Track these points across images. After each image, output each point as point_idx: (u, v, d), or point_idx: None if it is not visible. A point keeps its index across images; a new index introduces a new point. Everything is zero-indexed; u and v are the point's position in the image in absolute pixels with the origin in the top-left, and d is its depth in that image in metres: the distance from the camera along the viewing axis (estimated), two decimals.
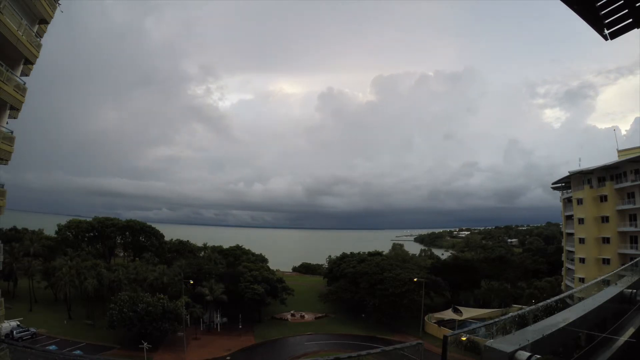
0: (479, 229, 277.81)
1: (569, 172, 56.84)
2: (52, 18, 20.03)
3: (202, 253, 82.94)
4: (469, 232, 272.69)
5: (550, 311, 5.97)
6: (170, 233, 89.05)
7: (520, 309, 6.28)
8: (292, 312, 64.28)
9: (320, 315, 64.41)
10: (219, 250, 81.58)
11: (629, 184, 47.53)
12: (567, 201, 60.69)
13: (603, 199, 51.54)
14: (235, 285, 56.71)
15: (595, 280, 9.12)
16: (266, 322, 59.85)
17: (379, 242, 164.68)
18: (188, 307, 50.14)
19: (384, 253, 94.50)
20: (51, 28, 20.38)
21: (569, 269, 58.61)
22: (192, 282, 53.90)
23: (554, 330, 4.90)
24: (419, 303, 55.21)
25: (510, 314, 5.70)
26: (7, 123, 19.33)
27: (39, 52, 19.31)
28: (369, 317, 58.86)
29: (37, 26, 19.42)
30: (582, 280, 51.59)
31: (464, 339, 5.40)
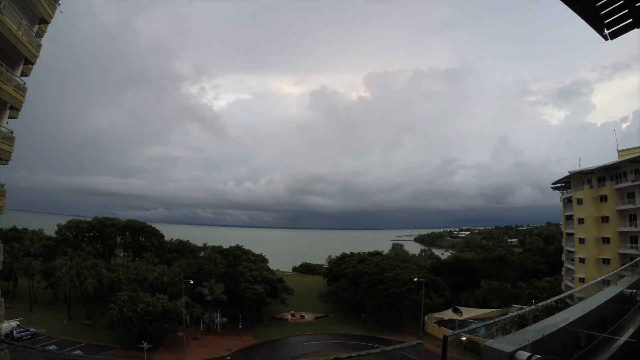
0: (479, 229, 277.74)
1: (569, 172, 56.84)
2: (52, 18, 20.03)
3: (202, 253, 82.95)
4: (469, 232, 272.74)
5: (550, 311, 5.96)
6: (167, 233, 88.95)
7: (520, 309, 6.28)
8: (292, 312, 64.28)
9: (320, 315, 64.41)
10: (219, 250, 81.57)
11: (629, 184, 47.53)
12: (567, 201, 60.69)
13: (603, 199, 51.54)
14: (235, 285, 56.71)
15: (595, 280, 9.12)
16: (266, 322, 59.86)
17: (379, 242, 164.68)
18: (188, 307, 50.15)
19: (384, 253, 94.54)
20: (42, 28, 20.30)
21: (569, 269, 58.61)
22: (192, 282, 53.91)
23: (554, 330, 4.89)
24: (419, 303, 55.21)
25: (510, 314, 5.69)
26: (7, 123, 19.34)
27: (39, 52, 19.31)
28: (369, 317, 58.86)
29: (37, 26, 19.42)
30: (582, 280, 51.59)
31: (464, 339, 5.40)
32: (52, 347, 39.07)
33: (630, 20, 4.31)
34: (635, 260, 10.14)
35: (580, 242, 54.33)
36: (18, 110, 19.50)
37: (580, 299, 6.65)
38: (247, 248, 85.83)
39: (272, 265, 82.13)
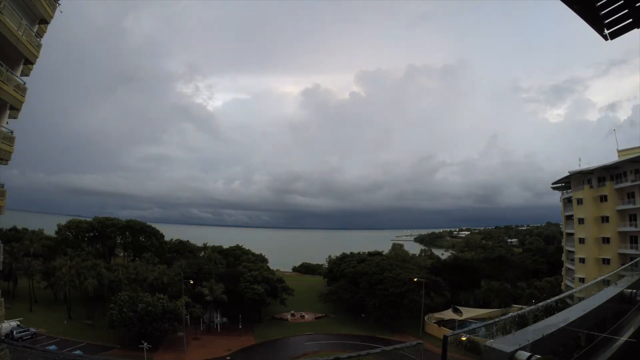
0: (479, 229, 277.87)
1: (569, 172, 56.85)
2: (52, 18, 20.04)
3: (202, 253, 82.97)
4: (469, 232, 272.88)
5: (550, 311, 5.95)
6: (163, 232, 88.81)
7: (520, 309, 6.28)
8: (292, 312, 64.29)
9: (320, 315, 64.42)
10: (219, 250, 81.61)
11: (629, 184, 47.53)
12: (567, 201, 60.69)
13: (603, 199, 51.54)
14: (235, 285, 56.73)
15: (595, 280, 9.11)
16: (266, 322, 59.87)
17: (379, 242, 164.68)
18: (188, 307, 50.17)
19: (384, 253, 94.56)
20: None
21: (569, 269, 58.61)
22: (192, 282, 53.93)
23: (554, 330, 4.89)
24: (419, 303, 55.22)
25: (510, 314, 5.68)
26: (7, 123, 19.34)
27: (39, 52, 19.32)
28: (369, 317, 58.87)
29: (37, 26, 19.43)
30: (582, 280, 51.59)
31: (464, 339, 5.39)
32: (52, 347, 39.07)
33: (630, 20, 4.31)
34: (635, 260, 10.14)
35: (580, 242, 54.33)
36: (18, 110, 19.51)
37: (580, 299, 6.65)
38: (247, 248, 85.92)
39: (272, 265, 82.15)
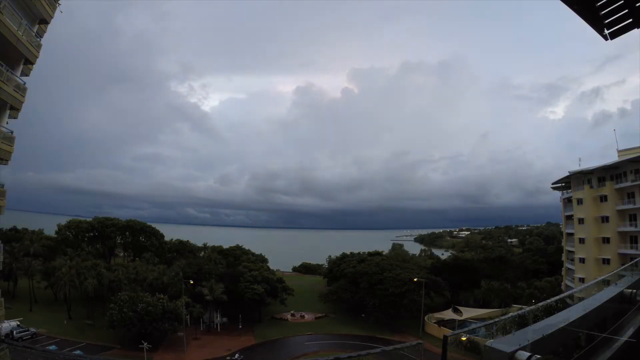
0: (479, 229, 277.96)
1: (569, 172, 56.85)
2: (52, 18, 20.04)
3: (202, 253, 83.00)
4: (469, 232, 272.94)
5: (550, 311, 5.96)
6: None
7: (520, 309, 6.28)
8: (292, 312, 64.28)
9: (320, 315, 64.41)
10: (218, 250, 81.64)
11: (629, 184, 47.53)
12: (567, 201, 60.69)
13: (603, 199, 51.53)
14: (235, 285, 56.73)
15: (595, 280, 9.11)
16: (266, 322, 59.87)
17: (379, 242, 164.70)
18: (188, 307, 50.17)
19: (384, 253, 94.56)
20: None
21: (569, 269, 58.61)
22: (192, 282, 53.93)
23: (554, 330, 4.89)
24: (419, 303, 55.21)
25: (510, 314, 5.69)
26: (7, 123, 19.34)
27: (39, 52, 19.32)
28: (369, 317, 58.86)
29: (37, 26, 19.43)
30: (582, 280, 51.59)
31: (464, 339, 5.40)
32: (52, 347, 39.09)
33: (630, 20, 4.31)
34: (635, 260, 10.15)
35: (580, 242, 54.32)
36: (18, 110, 19.51)
37: (580, 299, 6.66)
38: (246, 248, 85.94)
39: (272, 265, 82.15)
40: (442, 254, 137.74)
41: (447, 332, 6.55)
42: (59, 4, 20.06)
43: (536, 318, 5.41)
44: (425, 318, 56.51)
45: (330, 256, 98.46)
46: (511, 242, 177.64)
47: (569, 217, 59.09)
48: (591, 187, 53.30)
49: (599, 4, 4.21)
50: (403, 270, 61.73)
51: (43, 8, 18.91)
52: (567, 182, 60.51)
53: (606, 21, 4.38)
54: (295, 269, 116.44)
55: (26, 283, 57.31)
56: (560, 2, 4.11)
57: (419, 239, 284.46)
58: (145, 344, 39.78)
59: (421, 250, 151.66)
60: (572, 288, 43.59)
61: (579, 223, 54.94)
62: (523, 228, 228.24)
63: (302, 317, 63.61)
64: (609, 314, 6.40)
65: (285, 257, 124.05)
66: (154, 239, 79.31)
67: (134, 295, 47.79)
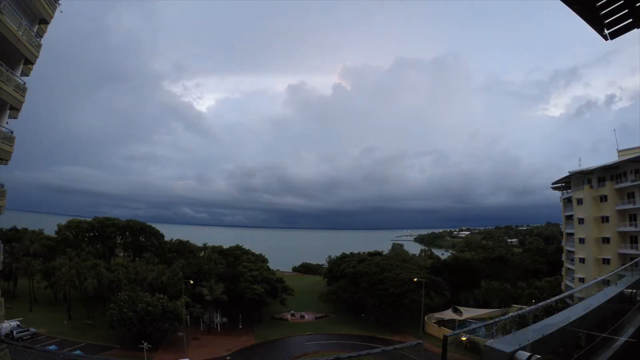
0: (479, 229, 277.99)
1: (569, 172, 56.85)
2: (52, 18, 20.04)
3: (202, 253, 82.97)
4: (469, 232, 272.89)
5: (550, 311, 5.97)
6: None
7: (520, 309, 6.28)
8: (292, 312, 64.30)
9: (320, 315, 64.43)
10: (218, 250, 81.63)
11: (629, 184, 47.53)
12: (567, 201, 60.69)
13: (603, 199, 51.54)
14: (235, 285, 56.72)
15: (595, 280, 9.11)
16: (266, 322, 59.88)
17: (379, 242, 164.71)
18: (188, 307, 50.16)
19: (384, 253, 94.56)
20: None
21: (569, 269, 58.61)
22: (192, 282, 53.93)
23: (554, 330, 4.89)
24: (419, 303, 55.21)
25: (510, 314, 5.70)
26: (7, 123, 19.34)
27: (39, 52, 19.31)
28: (369, 317, 58.87)
29: (37, 26, 19.42)
30: (582, 280, 51.61)
31: (464, 339, 5.40)
32: (52, 347, 39.08)
33: (630, 20, 4.31)
34: (635, 260, 10.15)
35: (580, 242, 54.33)
36: (18, 110, 19.51)
37: (580, 299, 6.66)
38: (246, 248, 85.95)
39: (272, 265, 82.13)
40: (442, 254, 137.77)
41: (447, 332, 6.56)
42: (59, 4, 20.06)
43: (536, 318, 5.40)
44: (425, 318, 56.51)
45: (330, 256, 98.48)
46: (511, 242, 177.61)
47: (569, 217, 59.09)
48: (591, 187, 53.31)
49: (599, 4, 4.21)
50: (403, 270, 61.72)
51: (43, 8, 18.91)
52: (567, 182, 60.51)
53: (606, 21, 4.38)
54: (295, 269, 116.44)
55: (26, 283, 57.33)
56: (560, 2, 4.11)
57: (419, 239, 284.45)
58: (145, 344, 39.79)
59: (421, 250, 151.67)
60: (572, 288, 43.59)
61: (579, 223, 54.94)
62: (523, 228, 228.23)
63: (302, 317, 63.62)
64: (609, 314, 6.40)
65: (285, 257, 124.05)
66: (153, 239, 79.31)
67: (134, 295, 47.79)
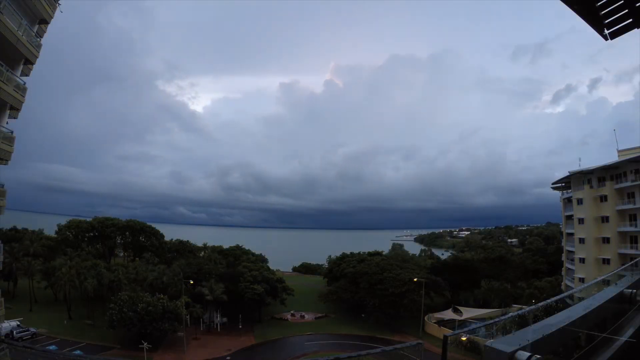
0: (479, 229, 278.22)
1: (569, 172, 56.85)
2: (52, 18, 20.03)
3: (202, 253, 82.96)
4: (469, 232, 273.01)
5: (550, 311, 5.95)
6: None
7: (520, 309, 6.28)
8: (292, 312, 64.29)
9: (320, 315, 64.42)
10: (218, 250, 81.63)
11: (629, 184, 47.52)
12: (567, 201, 60.68)
13: (603, 199, 51.53)
14: (235, 285, 56.72)
15: (595, 280, 9.11)
16: (266, 322, 59.87)
17: (379, 242, 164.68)
18: (188, 307, 50.15)
19: (384, 253, 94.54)
20: None
21: (569, 269, 58.60)
22: (192, 282, 53.94)
23: (554, 330, 4.88)
24: (419, 303, 55.21)
25: (510, 314, 5.69)
26: (7, 123, 19.35)
27: (39, 52, 19.32)
28: (369, 317, 58.85)
29: (37, 26, 19.42)
30: (582, 280, 51.58)
31: (464, 339, 5.41)
32: (52, 347, 39.05)
33: (630, 20, 4.31)
34: (635, 260, 10.15)
35: (580, 242, 54.31)
36: (18, 110, 19.51)
37: (580, 299, 6.65)
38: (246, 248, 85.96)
39: (272, 265, 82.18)
40: (442, 254, 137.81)
41: (447, 332, 6.56)
42: (58, 4, 20.06)
43: (536, 318, 5.39)
44: (425, 318, 56.50)
45: (330, 256, 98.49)
46: (511, 242, 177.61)
47: (569, 217, 59.07)
48: (591, 187, 53.30)
49: (599, 4, 4.21)
50: (403, 270, 61.73)
51: (43, 8, 18.91)
52: (567, 182, 60.50)
53: (606, 21, 4.38)
54: (295, 269, 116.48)
55: (26, 283, 57.33)
56: (560, 1, 4.11)
57: (419, 239, 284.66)
58: (145, 344, 39.78)
59: (421, 250, 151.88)
60: (572, 288, 43.56)
61: (579, 223, 54.93)
62: (523, 228, 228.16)
63: (302, 317, 63.61)
64: (609, 314, 6.39)
65: (285, 257, 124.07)
66: (153, 239, 79.32)
67: (134, 295, 47.78)
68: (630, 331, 5.75)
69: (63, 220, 78.17)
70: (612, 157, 53.20)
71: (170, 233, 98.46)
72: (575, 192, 56.50)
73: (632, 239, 47.52)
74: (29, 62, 19.20)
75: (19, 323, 45.31)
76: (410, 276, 58.70)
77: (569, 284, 56.61)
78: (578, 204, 55.65)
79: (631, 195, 47.80)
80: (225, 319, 57.38)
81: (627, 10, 4.21)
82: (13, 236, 69.62)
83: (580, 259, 53.90)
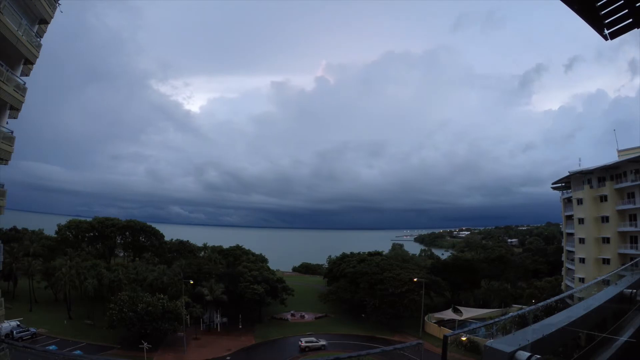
0: (479, 229, 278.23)
1: (569, 172, 56.85)
2: (52, 18, 20.02)
3: (202, 253, 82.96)
4: (469, 232, 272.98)
5: (550, 311, 5.95)
6: None
7: (520, 309, 6.27)
8: (292, 312, 64.30)
9: (320, 315, 64.42)
10: (218, 250, 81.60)
11: (629, 184, 47.52)
12: (567, 201, 60.66)
13: (603, 199, 51.52)
14: (235, 285, 56.70)
15: (595, 280, 9.11)
16: (266, 322, 59.88)
17: (379, 242, 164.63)
18: (188, 307, 50.15)
19: (384, 253, 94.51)
20: None
21: (569, 269, 58.60)
22: (192, 282, 53.93)
23: (554, 330, 4.88)
24: (419, 303, 55.21)
25: (510, 314, 5.69)
26: (7, 123, 19.34)
27: (39, 52, 19.30)
28: (369, 317, 58.85)
29: (37, 26, 19.41)
30: (582, 280, 51.59)
31: (464, 339, 5.41)
32: (52, 347, 39.02)
33: (630, 20, 4.31)
34: (635, 260, 10.14)
35: (580, 242, 54.30)
36: (18, 110, 19.50)
37: (581, 299, 6.65)
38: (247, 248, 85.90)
39: (272, 265, 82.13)
40: (442, 254, 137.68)
41: (447, 332, 6.55)
42: (58, 3, 20.04)
43: (536, 318, 5.40)
44: (425, 318, 56.51)
45: (330, 256, 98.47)
46: (511, 242, 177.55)
47: (569, 217, 59.07)
48: (591, 187, 53.30)
49: (599, 4, 4.21)
50: (403, 270, 61.72)
51: (43, 8, 18.89)
52: (567, 182, 60.51)
53: (606, 21, 4.38)
54: (295, 269, 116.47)
55: (26, 283, 57.31)
56: (560, 1, 4.11)
57: (419, 239, 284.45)
58: (145, 344, 39.79)
59: (421, 250, 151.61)
60: (572, 288, 43.58)
61: (579, 223, 54.92)
62: (523, 228, 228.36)
63: (302, 317, 63.61)
64: (609, 314, 6.40)
65: (286, 257, 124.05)
66: (154, 239, 79.36)
67: (134, 295, 47.78)
68: (630, 331, 5.75)
69: (63, 220, 78.18)
70: (608, 154, 53.22)
71: (169, 233, 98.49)
72: (575, 192, 56.50)
73: (632, 238, 47.51)
74: (29, 62, 19.19)
75: (19, 323, 45.31)
76: (410, 276, 58.70)
77: (569, 284, 56.60)
78: (578, 204, 55.64)
79: (631, 195, 47.80)
80: (225, 319, 57.37)
81: (627, 10, 4.21)
82: (13, 236, 69.71)
83: (580, 259, 53.90)
